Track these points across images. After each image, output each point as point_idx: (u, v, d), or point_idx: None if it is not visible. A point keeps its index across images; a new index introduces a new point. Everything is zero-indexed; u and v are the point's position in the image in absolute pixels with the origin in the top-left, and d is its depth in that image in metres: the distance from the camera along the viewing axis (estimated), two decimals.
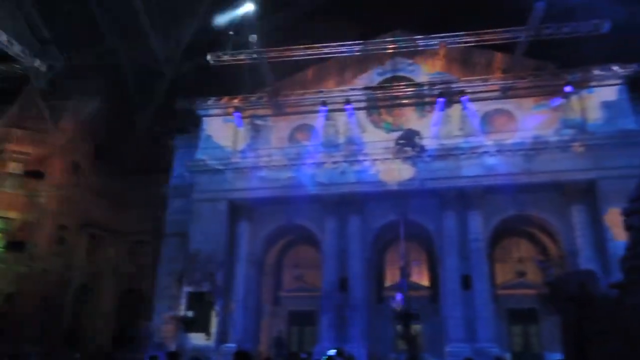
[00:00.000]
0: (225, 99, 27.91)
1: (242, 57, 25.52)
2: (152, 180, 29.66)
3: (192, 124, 29.21)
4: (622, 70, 24.84)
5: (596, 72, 25.10)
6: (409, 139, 26.18)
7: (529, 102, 26.91)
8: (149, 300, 28.33)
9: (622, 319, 9.45)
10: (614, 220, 20.97)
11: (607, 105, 25.50)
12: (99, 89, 30.04)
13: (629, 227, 9.86)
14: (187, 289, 26.29)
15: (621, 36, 23.87)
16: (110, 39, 27.78)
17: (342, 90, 27.30)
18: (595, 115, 25.60)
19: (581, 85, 25.49)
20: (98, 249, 32.61)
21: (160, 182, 29.41)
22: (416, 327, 27.41)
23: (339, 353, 18.24)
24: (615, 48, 24.58)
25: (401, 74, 28.49)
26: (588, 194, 24.89)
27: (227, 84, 26.60)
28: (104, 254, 32.70)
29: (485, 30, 24.38)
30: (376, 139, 27.78)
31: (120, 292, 32.37)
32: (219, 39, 25.31)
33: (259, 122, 29.14)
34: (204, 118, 29.23)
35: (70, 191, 30.71)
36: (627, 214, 9.98)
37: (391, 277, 28.27)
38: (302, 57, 25.75)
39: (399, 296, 22.61)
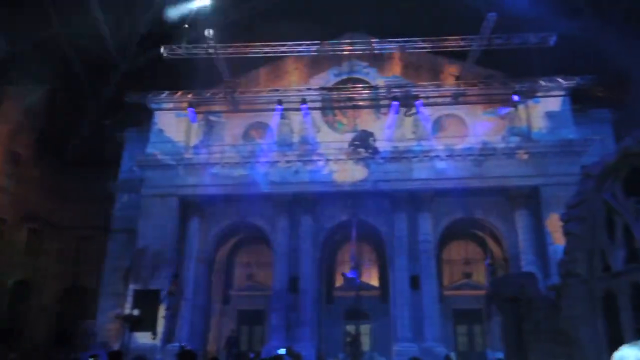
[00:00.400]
0: (178, 94, 27.28)
1: (197, 51, 25.08)
2: (99, 174, 28.63)
3: (143, 118, 28.40)
4: (566, 83, 25.95)
5: (542, 82, 26.08)
6: (363, 140, 26.45)
7: (478, 109, 27.77)
8: (94, 298, 27.40)
9: (557, 320, 9.87)
10: (554, 225, 21.95)
11: (551, 115, 26.63)
12: (45, 77, 28.74)
13: (566, 233, 10.23)
14: (133, 286, 25.58)
15: (567, 50, 24.95)
16: (59, 26, 26.63)
17: (298, 90, 27.26)
18: (539, 124, 26.67)
19: (528, 94, 26.44)
20: (39, 243, 31.15)
21: (107, 176, 28.46)
22: (365, 327, 27.82)
23: (288, 352, 18.26)
24: (561, 61, 25.66)
25: (357, 76, 28.77)
26: (531, 200, 25.92)
27: (181, 78, 26.04)
28: (45, 249, 31.27)
29: (441, 37, 24.97)
30: (330, 139, 27.94)
31: (63, 289, 31.08)
32: (173, 32, 24.77)
33: (213, 118, 28.73)
34: (156, 112, 28.50)
35: (10, 183, 29.23)
36: (565, 220, 10.35)
37: (342, 277, 28.42)
38: (259, 55, 25.56)
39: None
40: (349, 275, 25.72)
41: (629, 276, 8.86)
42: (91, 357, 18.97)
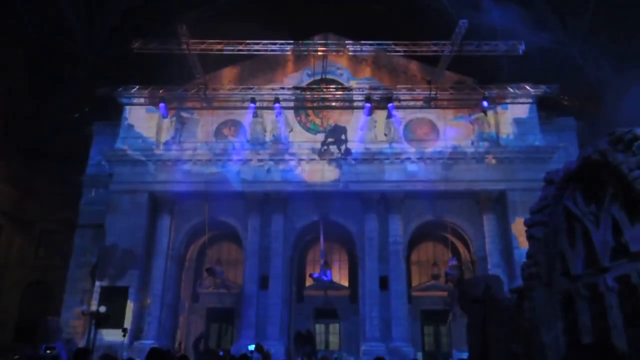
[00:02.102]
0: (150, 89, 26.91)
1: (169, 47, 24.78)
2: (65, 168, 27.95)
3: (112, 111, 27.85)
4: (534, 90, 26.65)
5: (510, 89, 26.71)
6: (336, 134, 26.61)
7: (449, 113, 28.25)
8: (58, 294, 26.81)
9: (520, 322, 10.05)
10: (520, 229, 22.40)
11: (518, 122, 27.34)
12: (10, 67, 27.94)
13: (530, 237, 10.48)
14: (100, 283, 25.18)
15: (535, 59, 25.66)
16: (24, 14, 25.86)
17: (272, 89, 27.24)
18: (507, 130, 27.36)
19: (497, 101, 27.10)
20: (1, 237, 30.23)
21: (74, 170, 27.82)
22: (335, 326, 28.06)
23: (257, 349, 18.22)
24: (530, 69, 26.35)
25: (330, 76, 28.87)
26: (498, 204, 26.61)
27: (153, 73, 25.64)
28: (8, 243, 30.38)
29: (414, 42, 25.32)
30: (303, 139, 28.05)
31: (27, 284, 30.25)
32: (145, 26, 24.35)
33: (185, 114, 28.45)
34: (126, 106, 28.03)
35: None
36: (529, 225, 10.62)
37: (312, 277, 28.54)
38: (232, 53, 25.43)
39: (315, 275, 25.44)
40: (315, 275, 26.00)
41: (587, 280, 9.15)
42: (48, 349, 18.59)
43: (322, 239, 25.87)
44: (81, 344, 22.78)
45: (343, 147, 26.62)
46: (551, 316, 9.56)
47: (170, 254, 27.16)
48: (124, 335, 22.98)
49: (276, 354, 22.82)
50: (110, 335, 23.65)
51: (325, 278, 25.92)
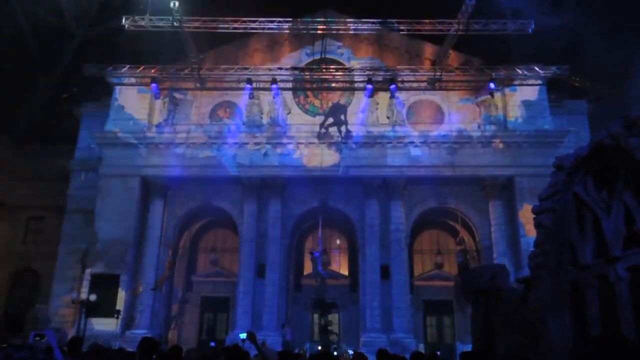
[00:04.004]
0: (141, 68, 25.80)
1: (161, 24, 23.71)
2: (53, 151, 26.90)
3: (102, 92, 26.77)
4: (543, 71, 25.58)
5: (519, 71, 25.63)
6: (336, 114, 25.57)
7: (455, 95, 27.17)
8: (46, 282, 26.00)
9: (525, 312, 9.78)
10: (527, 217, 21.54)
11: (527, 105, 26.26)
12: None
13: (538, 225, 10.07)
14: (90, 270, 24.34)
15: (545, 39, 24.54)
16: None
17: (269, 69, 26.16)
18: (515, 113, 26.29)
19: (504, 82, 26.07)
20: None
21: (63, 154, 26.78)
22: (334, 316, 27.30)
23: (249, 337, 17.41)
24: (539, 50, 25.29)
25: (331, 56, 27.75)
26: (505, 190, 25.63)
27: (144, 52, 24.56)
28: None
29: (418, 20, 24.24)
30: (301, 121, 27.03)
31: (15, 271, 29.40)
32: (137, 1, 23.27)
33: (178, 95, 27.38)
34: (116, 87, 26.92)
35: None
36: (537, 212, 10.13)
37: (310, 264, 27.71)
38: (228, 31, 24.36)
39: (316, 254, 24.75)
40: (317, 254, 25.09)
41: (597, 269, 8.69)
42: (37, 336, 17.83)
43: (320, 224, 25.03)
44: (71, 333, 22.05)
45: (343, 129, 25.53)
46: (559, 307, 9.15)
47: (163, 240, 26.21)
48: (117, 318, 22.27)
49: (273, 344, 22.03)
50: (101, 324, 22.95)
51: (316, 254, 25.15)
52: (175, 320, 27.24)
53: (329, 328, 24.18)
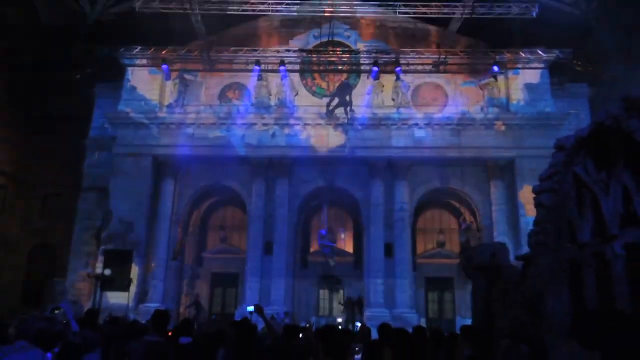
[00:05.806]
0: (152, 50, 26.31)
1: (172, 6, 24.12)
2: (69, 130, 27.57)
3: (115, 73, 27.32)
4: (546, 55, 25.84)
5: (522, 54, 25.93)
6: (342, 94, 26.01)
7: (459, 78, 27.59)
8: (63, 257, 26.90)
9: (524, 289, 10.12)
10: (527, 197, 22.09)
11: (529, 88, 26.65)
12: (11, 28, 27.31)
13: (538, 205, 10.35)
14: (104, 246, 25.22)
15: (548, 22, 24.81)
16: None
17: (277, 51, 26.58)
18: (518, 96, 26.70)
19: (508, 65, 26.38)
20: (5, 201, 30.15)
21: (78, 132, 27.45)
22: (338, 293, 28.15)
23: (257, 310, 18.21)
24: (542, 33, 25.52)
25: (338, 39, 28.09)
26: (507, 171, 26.19)
27: (156, 33, 25.02)
28: (12, 206, 30.33)
29: (423, 3, 24.55)
30: (308, 103, 27.52)
31: (32, 247, 30.36)
32: None
33: (188, 76, 27.89)
34: (129, 68, 27.50)
35: None
36: (537, 192, 10.44)
37: (317, 242, 28.52)
38: (237, 13, 24.74)
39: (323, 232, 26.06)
40: (324, 232, 26.00)
41: (594, 247, 9.02)
42: (55, 309, 18.77)
43: (326, 204, 25.78)
44: (87, 305, 22.94)
45: (349, 110, 26.03)
46: (557, 283, 9.62)
47: (174, 218, 27.05)
48: (128, 286, 23.13)
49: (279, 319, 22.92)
50: (115, 298, 23.86)
51: (323, 232, 26.12)
52: (186, 295, 28.17)
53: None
